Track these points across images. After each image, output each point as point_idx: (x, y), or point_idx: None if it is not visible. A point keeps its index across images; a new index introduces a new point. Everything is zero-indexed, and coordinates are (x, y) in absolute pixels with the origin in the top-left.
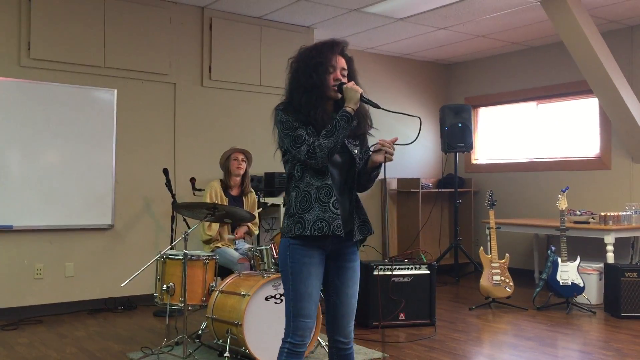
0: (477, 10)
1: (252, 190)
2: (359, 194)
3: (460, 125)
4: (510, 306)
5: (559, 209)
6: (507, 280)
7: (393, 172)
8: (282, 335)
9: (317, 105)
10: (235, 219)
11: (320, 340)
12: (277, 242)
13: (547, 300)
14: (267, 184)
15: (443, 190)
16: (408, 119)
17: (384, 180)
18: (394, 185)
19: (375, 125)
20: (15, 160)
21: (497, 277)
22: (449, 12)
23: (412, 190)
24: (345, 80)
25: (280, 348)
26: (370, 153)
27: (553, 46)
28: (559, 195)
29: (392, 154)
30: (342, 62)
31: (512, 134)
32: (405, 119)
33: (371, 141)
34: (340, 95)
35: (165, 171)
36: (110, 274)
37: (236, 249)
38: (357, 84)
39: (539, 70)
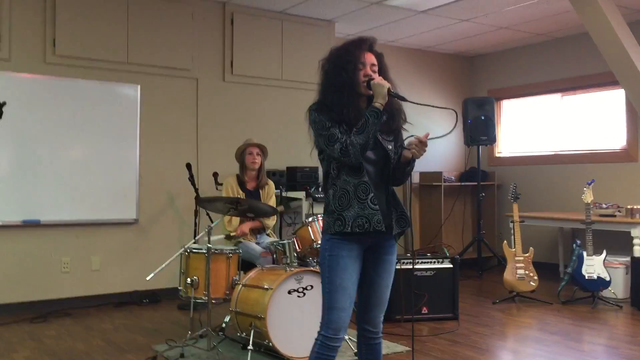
0: (500, 2)
1: (271, 182)
2: (394, 188)
3: (483, 118)
4: (535, 300)
5: (584, 202)
6: (531, 274)
7: (415, 165)
8: (305, 328)
9: (348, 103)
10: (257, 212)
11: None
12: (299, 236)
13: (573, 295)
14: (289, 179)
15: (466, 183)
16: (434, 114)
17: None
18: (416, 178)
19: None
20: (41, 155)
21: (521, 271)
22: (472, 3)
23: (434, 183)
24: (375, 76)
25: (315, 340)
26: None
27: (578, 37)
28: (585, 188)
29: (420, 152)
30: (371, 58)
31: (536, 126)
32: (431, 114)
33: (406, 136)
34: (371, 92)
35: (189, 166)
36: (135, 267)
37: (258, 243)
38: (388, 78)
39: (563, 62)
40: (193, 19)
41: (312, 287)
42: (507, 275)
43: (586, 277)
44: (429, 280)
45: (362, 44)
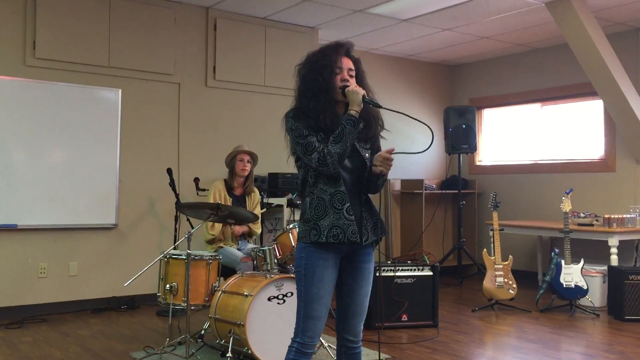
0: (481, 12)
1: (256, 189)
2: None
3: (464, 126)
4: (514, 308)
5: (562, 211)
6: (510, 282)
7: (396, 173)
8: (285, 336)
9: (325, 109)
10: (238, 219)
11: (323, 341)
12: (280, 243)
13: (551, 303)
14: (271, 185)
15: (447, 191)
16: (416, 122)
17: (387, 181)
18: (397, 186)
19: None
20: (19, 159)
21: (500, 279)
22: (454, 13)
23: (415, 191)
24: (352, 81)
25: (289, 347)
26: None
27: (558, 48)
28: (563, 198)
29: (386, 167)
30: (348, 63)
31: (516, 135)
32: (413, 121)
33: (383, 143)
34: (347, 99)
35: (169, 171)
36: (113, 273)
37: (239, 249)
38: (364, 85)
39: (543, 72)
40: (176, 24)
41: (292, 294)
42: (487, 283)
43: (564, 286)
44: (409, 287)
45: (340, 49)
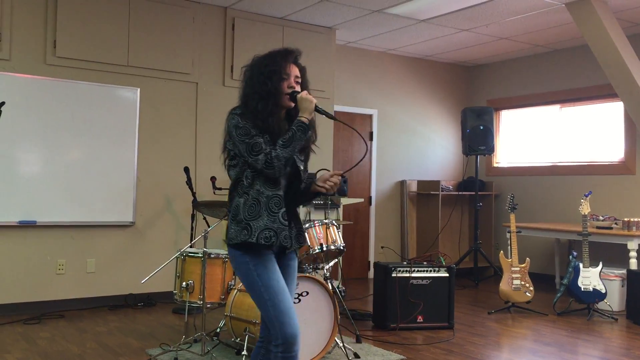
0: (500, 12)
1: None
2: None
3: (481, 127)
4: (530, 311)
5: (581, 214)
6: (527, 285)
7: (413, 174)
8: (300, 336)
9: (273, 112)
10: None
11: (338, 340)
12: None
13: (568, 306)
14: None
15: (463, 193)
16: (434, 123)
17: (403, 182)
18: (414, 187)
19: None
20: (39, 156)
21: (517, 282)
22: (472, 13)
23: (432, 192)
24: (298, 88)
25: (273, 353)
26: (315, 179)
27: (577, 49)
28: (582, 200)
29: (333, 189)
30: (295, 70)
31: (534, 137)
32: (430, 123)
33: (404, 142)
34: (293, 104)
35: (186, 169)
36: (130, 270)
37: None
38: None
39: (562, 73)
40: (194, 23)
41: (307, 293)
42: (503, 285)
43: (582, 289)
44: (424, 288)
45: (288, 56)
